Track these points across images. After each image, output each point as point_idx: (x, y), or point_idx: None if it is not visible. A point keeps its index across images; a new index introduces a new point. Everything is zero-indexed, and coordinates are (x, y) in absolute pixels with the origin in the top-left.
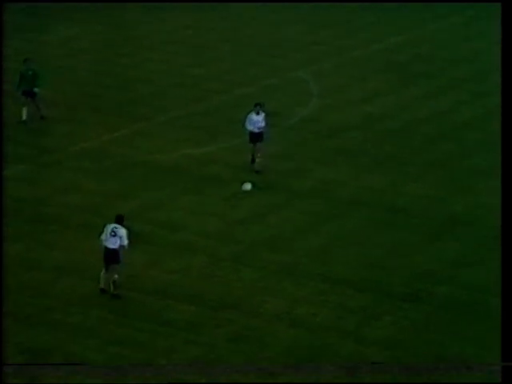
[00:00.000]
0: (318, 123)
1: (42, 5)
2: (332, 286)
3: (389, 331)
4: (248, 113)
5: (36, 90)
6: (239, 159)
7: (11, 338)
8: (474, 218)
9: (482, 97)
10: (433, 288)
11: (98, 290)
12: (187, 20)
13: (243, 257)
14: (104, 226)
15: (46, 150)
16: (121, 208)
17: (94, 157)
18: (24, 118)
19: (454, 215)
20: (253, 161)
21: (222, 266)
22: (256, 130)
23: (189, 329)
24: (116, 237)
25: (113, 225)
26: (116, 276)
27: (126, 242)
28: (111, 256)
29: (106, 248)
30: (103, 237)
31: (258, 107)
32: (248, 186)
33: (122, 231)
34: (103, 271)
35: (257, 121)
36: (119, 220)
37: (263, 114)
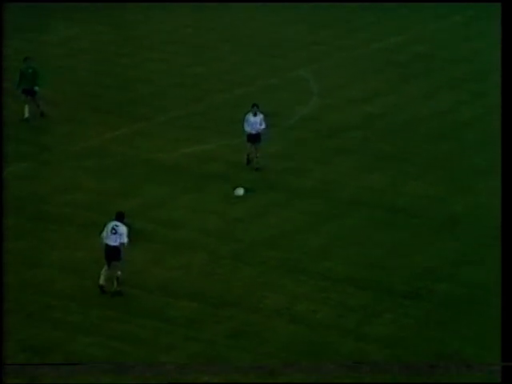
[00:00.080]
0: (318, 122)
1: (42, 5)
2: (332, 283)
3: (389, 329)
4: (245, 114)
5: (36, 88)
6: (239, 158)
7: (13, 335)
8: (473, 217)
9: (481, 96)
10: (433, 286)
11: (99, 288)
12: (187, 20)
13: (243, 255)
14: (105, 224)
15: (47, 148)
16: (122, 206)
17: (94, 156)
18: (26, 115)
19: (453, 214)
20: (248, 162)
21: (222, 264)
22: (253, 132)
23: (189, 325)
24: (117, 234)
25: (113, 222)
26: (119, 273)
27: (125, 240)
28: (112, 253)
29: (106, 245)
30: (104, 234)
31: (255, 108)
32: (240, 192)
33: (123, 229)
34: (105, 268)
35: (254, 122)
36: (120, 217)
37: (261, 116)
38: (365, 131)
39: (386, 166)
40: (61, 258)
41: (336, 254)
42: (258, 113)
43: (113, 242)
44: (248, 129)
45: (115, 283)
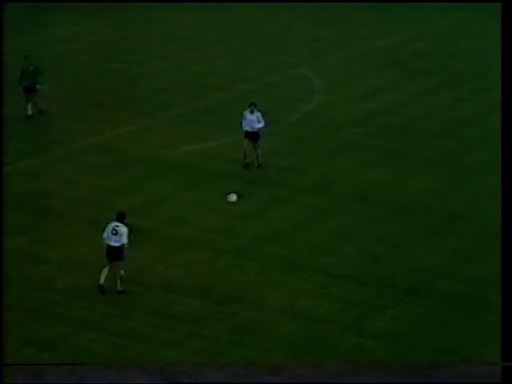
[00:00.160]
0: (320, 119)
1: (44, 4)
2: (334, 279)
3: (390, 324)
4: (243, 111)
5: (38, 86)
6: (240, 155)
7: (15, 331)
8: (473, 213)
9: (482, 93)
10: (434, 282)
11: (99, 287)
12: (188, 18)
13: (245, 251)
14: (106, 224)
15: (49, 145)
16: (124, 203)
17: (97, 152)
18: (29, 113)
19: (454, 210)
20: (245, 166)
21: (224, 261)
22: (250, 130)
23: (192, 322)
24: (117, 235)
25: (114, 223)
26: (122, 272)
27: (126, 241)
28: (114, 254)
29: (108, 246)
30: (105, 235)
31: (252, 106)
32: (233, 198)
33: (123, 229)
34: (106, 268)
35: (250, 120)
36: (120, 217)
37: (258, 114)
38: (366, 128)
39: (387, 163)
40: (63, 254)
41: (337, 249)
42: (255, 111)
43: (114, 242)
44: (245, 127)
45: (118, 282)
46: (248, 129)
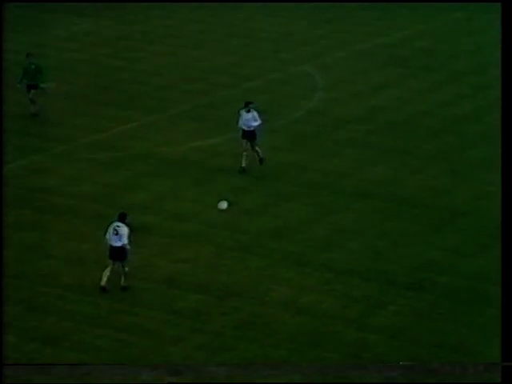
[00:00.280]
0: (323, 116)
1: (45, 3)
2: (337, 275)
3: (392, 320)
4: (239, 110)
5: (43, 85)
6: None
7: (22, 325)
8: (474, 208)
9: (482, 90)
10: (435, 277)
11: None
12: (188, 18)
13: (249, 247)
14: (109, 224)
15: (57, 141)
16: (129, 199)
17: (104, 148)
18: (37, 109)
19: (455, 206)
20: (243, 170)
21: (228, 256)
22: (246, 128)
23: (196, 317)
24: (118, 235)
25: (115, 223)
26: (126, 269)
27: (126, 241)
28: (117, 254)
29: (111, 246)
30: (107, 235)
31: (249, 106)
32: (224, 205)
33: (124, 230)
34: (108, 268)
35: (246, 119)
36: (121, 218)
37: (254, 112)
38: (368, 125)
39: (389, 159)
40: (71, 250)
41: (340, 245)
42: (251, 110)
43: (115, 242)
44: (241, 125)
45: (123, 279)
46: (244, 127)
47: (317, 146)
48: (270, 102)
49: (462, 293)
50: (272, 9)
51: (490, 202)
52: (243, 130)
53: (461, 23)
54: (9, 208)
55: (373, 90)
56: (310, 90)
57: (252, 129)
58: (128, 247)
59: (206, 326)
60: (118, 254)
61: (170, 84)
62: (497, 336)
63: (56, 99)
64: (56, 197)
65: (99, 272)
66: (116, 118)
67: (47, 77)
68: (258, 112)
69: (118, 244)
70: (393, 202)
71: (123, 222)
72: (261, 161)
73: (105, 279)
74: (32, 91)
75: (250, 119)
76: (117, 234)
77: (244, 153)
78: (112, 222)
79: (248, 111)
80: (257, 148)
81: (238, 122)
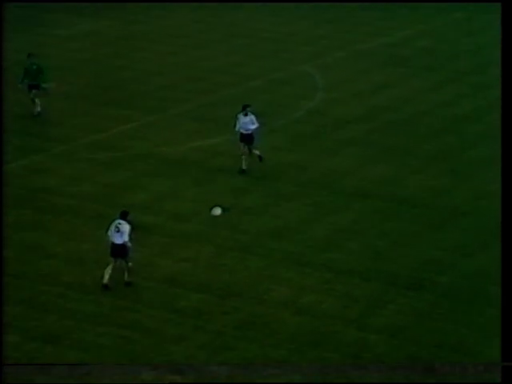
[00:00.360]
0: (324, 116)
1: (45, 3)
2: (337, 275)
3: (392, 319)
4: (237, 113)
5: (44, 85)
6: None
7: (22, 324)
8: (474, 208)
9: (482, 90)
10: (435, 277)
11: (103, 287)
12: (188, 18)
13: (249, 246)
14: (111, 222)
15: (57, 141)
16: (129, 199)
17: (104, 148)
18: (38, 109)
19: (455, 206)
20: (242, 171)
21: (228, 256)
22: (244, 132)
23: (197, 316)
24: (120, 232)
25: (117, 220)
26: (130, 264)
27: (127, 239)
28: (118, 251)
29: (112, 243)
30: (109, 233)
31: (246, 109)
32: (218, 211)
33: (125, 227)
34: (110, 266)
35: (244, 122)
36: (123, 216)
37: (252, 116)
38: (369, 124)
39: (390, 159)
40: (72, 249)
41: (340, 245)
42: (249, 113)
43: (117, 240)
44: (239, 128)
45: (126, 274)
46: (242, 131)
47: (317, 146)
48: (271, 101)
49: (462, 292)
50: (272, 9)
51: (490, 202)
52: (241, 134)
53: (461, 23)
54: (9, 208)
55: (373, 89)
56: (311, 89)
57: (250, 132)
58: (129, 244)
59: (206, 326)
60: (120, 251)
61: (171, 84)
62: (497, 336)
63: (56, 99)
64: (56, 197)
65: (100, 271)
66: (116, 118)
67: (48, 77)
68: (256, 115)
69: (120, 241)
70: (393, 201)
71: (125, 219)
72: (260, 158)
73: (107, 277)
74: (33, 91)
75: (248, 122)
76: (118, 231)
77: (242, 156)
78: (114, 220)
79: (245, 114)
80: (255, 151)
81: (235, 126)
